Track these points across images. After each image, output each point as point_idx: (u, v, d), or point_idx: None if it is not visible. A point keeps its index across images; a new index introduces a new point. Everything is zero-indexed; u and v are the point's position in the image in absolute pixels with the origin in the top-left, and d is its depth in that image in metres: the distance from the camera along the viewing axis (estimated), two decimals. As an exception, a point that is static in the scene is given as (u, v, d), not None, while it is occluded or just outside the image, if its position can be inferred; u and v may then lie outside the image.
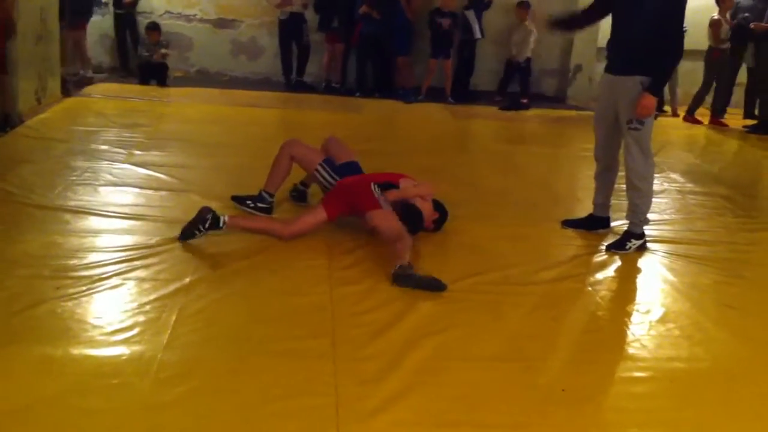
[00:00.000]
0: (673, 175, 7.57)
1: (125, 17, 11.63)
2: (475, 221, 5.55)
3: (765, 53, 10.48)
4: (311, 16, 11.65)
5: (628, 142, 4.96)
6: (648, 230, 5.31)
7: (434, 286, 4.25)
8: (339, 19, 11.54)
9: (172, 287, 4.06)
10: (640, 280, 4.83)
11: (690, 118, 11.11)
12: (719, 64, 10.89)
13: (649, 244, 5.26)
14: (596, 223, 5.49)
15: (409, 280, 4.25)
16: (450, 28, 11.26)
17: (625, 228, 5.26)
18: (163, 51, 10.98)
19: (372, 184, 4.89)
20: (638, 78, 4.75)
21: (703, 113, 11.29)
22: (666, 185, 7.14)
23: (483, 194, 6.41)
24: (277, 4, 11.40)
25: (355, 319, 3.87)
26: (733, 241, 5.66)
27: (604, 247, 5.15)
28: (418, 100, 11.12)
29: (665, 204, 6.51)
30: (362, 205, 4.78)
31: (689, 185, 7.27)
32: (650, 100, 4.75)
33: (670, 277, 4.80)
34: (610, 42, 5.02)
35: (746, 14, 10.63)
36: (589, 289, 4.53)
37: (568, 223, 5.54)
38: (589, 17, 5.37)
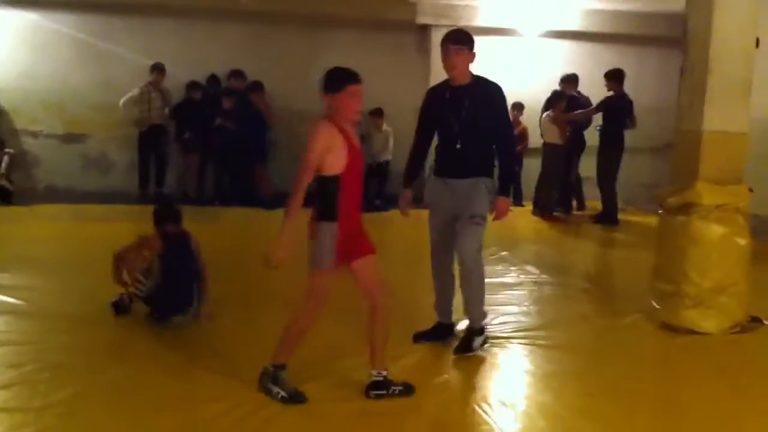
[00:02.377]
0: (528, 267, 7.82)
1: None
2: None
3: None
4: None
5: (465, 236, 4.88)
6: (506, 321, 5.46)
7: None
8: (193, 129, 11.51)
9: (20, 417, 3.84)
10: (502, 372, 4.89)
11: (538, 212, 11.59)
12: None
13: (509, 335, 5.39)
14: (446, 331, 5.32)
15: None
16: None
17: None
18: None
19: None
20: (482, 179, 4.99)
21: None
22: (522, 277, 7.36)
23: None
24: (136, 121, 11.29)
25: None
26: (590, 329, 5.87)
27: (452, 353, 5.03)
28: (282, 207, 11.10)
29: (523, 296, 6.70)
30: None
31: (544, 276, 7.52)
32: (505, 203, 5.06)
33: (530, 367, 4.89)
34: (440, 148, 5.16)
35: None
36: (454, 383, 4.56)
37: (421, 337, 5.26)
38: (423, 151, 5.40)
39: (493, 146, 5.07)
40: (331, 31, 12.70)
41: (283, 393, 4.13)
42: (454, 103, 4.98)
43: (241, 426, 3.88)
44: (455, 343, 5.11)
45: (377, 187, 12.04)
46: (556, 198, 11.54)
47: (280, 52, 12.40)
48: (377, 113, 12.00)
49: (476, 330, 5.09)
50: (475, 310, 5.06)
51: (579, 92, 11.80)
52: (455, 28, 5.36)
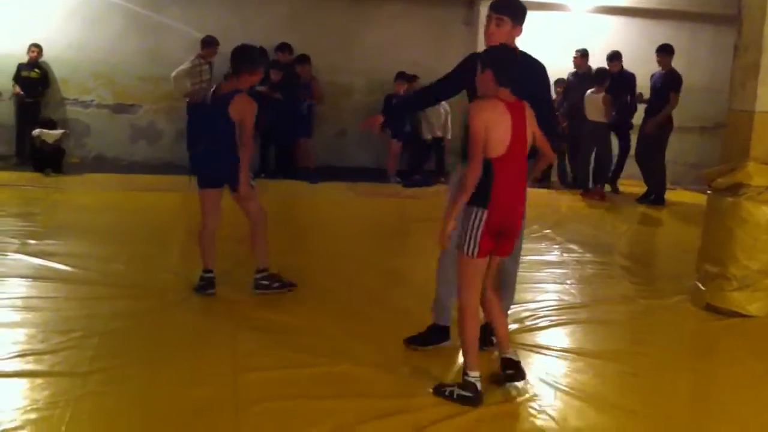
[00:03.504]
0: (571, 246, 7.77)
1: (31, 105, 11.40)
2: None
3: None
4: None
5: None
6: (547, 299, 5.43)
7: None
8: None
9: (67, 382, 3.92)
10: (543, 351, 4.86)
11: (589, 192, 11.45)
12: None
13: (549, 313, 5.37)
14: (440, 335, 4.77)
15: None
16: None
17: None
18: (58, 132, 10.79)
19: None
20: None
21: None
22: (565, 255, 7.33)
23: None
24: (188, 93, 11.37)
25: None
26: (632, 309, 5.83)
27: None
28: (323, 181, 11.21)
29: (565, 274, 6.68)
30: None
31: (587, 255, 7.47)
32: None
33: (572, 345, 4.89)
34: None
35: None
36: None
37: (412, 341, 4.74)
38: (424, 99, 5.27)
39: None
40: (376, 4, 12.63)
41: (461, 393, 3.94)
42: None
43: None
44: None
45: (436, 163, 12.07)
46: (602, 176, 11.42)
47: (325, 26, 12.37)
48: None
49: None
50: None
51: (623, 69, 11.58)
52: None
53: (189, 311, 5.20)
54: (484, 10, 4.57)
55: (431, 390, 4.00)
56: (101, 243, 6.89)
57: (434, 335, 4.72)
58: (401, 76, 11.62)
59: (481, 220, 3.82)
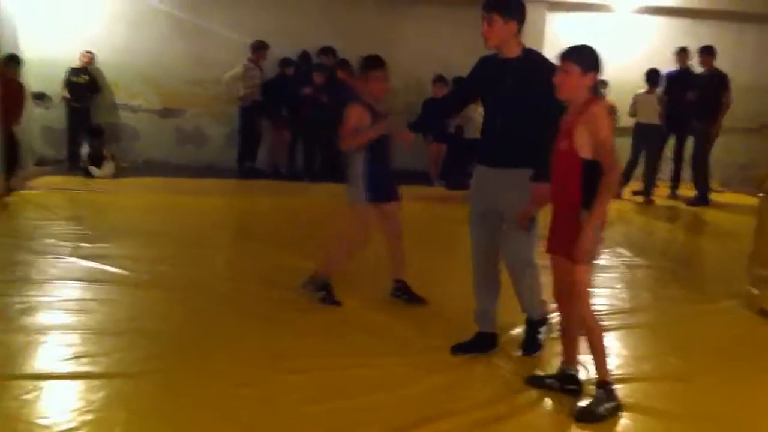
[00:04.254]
0: (620, 250, 7.70)
1: (80, 110, 11.63)
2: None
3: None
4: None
5: (519, 240, 4.38)
6: (597, 304, 5.36)
7: None
8: (286, 105, 11.70)
9: (121, 383, 3.99)
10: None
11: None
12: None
13: (599, 318, 5.30)
14: (488, 341, 4.70)
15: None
16: None
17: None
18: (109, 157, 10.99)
19: None
20: (525, 169, 4.25)
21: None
22: (614, 260, 7.26)
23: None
24: (241, 96, 11.51)
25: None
26: (683, 313, 5.76)
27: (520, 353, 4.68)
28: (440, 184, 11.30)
29: (615, 278, 6.62)
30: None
31: (636, 259, 7.40)
32: (542, 189, 4.11)
33: (622, 350, 4.85)
34: (483, 132, 4.58)
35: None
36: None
37: (459, 349, 4.64)
38: (447, 112, 5.20)
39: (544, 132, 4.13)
40: (414, 6, 12.65)
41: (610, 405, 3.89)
42: (497, 79, 4.37)
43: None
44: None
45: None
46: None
47: (363, 27, 12.36)
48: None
49: (536, 322, 4.67)
50: (527, 298, 4.58)
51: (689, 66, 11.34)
52: None
53: (235, 312, 5.25)
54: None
55: (575, 415, 3.86)
56: (150, 245, 6.99)
57: (482, 343, 4.68)
58: (440, 79, 11.61)
59: (599, 224, 3.77)
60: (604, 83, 11.67)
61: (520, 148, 4.26)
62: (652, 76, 11.05)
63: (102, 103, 12.05)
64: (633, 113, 11.19)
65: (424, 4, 12.67)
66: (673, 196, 11.32)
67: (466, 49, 12.09)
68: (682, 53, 11.15)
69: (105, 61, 12.02)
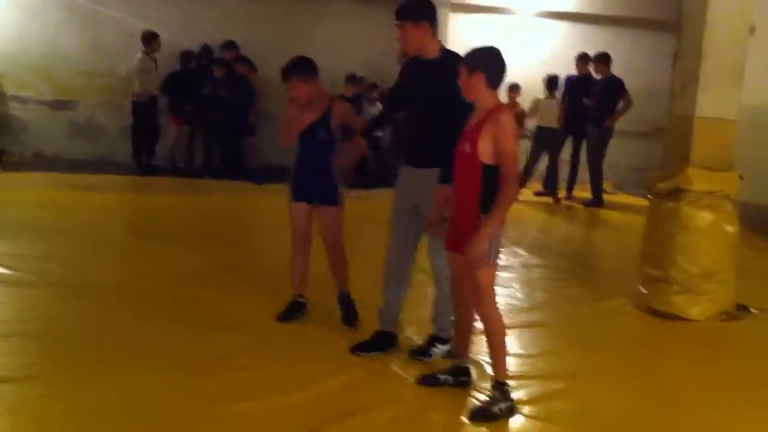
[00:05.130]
0: (517, 249, 7.83)
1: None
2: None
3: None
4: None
5: (436, 241, 4.36)
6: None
7: None
8: (187, 100, 11.43)
9: (5, 388, 3.84)
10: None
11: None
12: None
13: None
14: (387, 341, 4.73)
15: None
16: None
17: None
18: None
19: None
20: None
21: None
22: (511, 259, 7.38)
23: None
24: (137, 91, 11.13)
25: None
26: (576, 312, 5.90)
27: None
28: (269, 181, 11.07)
29: (511, 278, 6.73)
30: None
31: (533, 259, 7.55)
32: (447, 190, 4.14)
33: (517, 349, 4.92)
34: (406, 134, 4.72)
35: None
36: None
37: (358, 349, 4.66)
38: (392, 113, 5.14)
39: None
40: (324, 2, 12.58)
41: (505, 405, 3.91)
42: (418, 80, 4.47)
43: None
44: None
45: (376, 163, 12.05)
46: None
47: (271, 22, 12.26)
48: None
49: (440, 338, 4.63)
50: (440, 319, 4.61)
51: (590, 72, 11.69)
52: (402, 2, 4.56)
53: (130, 313, 5.09)
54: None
55: (470, 415, 3.88)
56: (38, 242, 6.71)
57: (382, 342, 4.69)
58: (351, 78, 11.59)
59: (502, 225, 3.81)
60: (517, 87, 11.93)
61: (439, 148, 4.23)
62: (553, 81, 11.38)
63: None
64: (532, 116, 11.44)
65: (337, 1, 12.60)
66: (570, 197, 11.62)
67: (377, 47, 12.28)
68: (583, 60, 11.46)
69: (-6, 50, 11.46)
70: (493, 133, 3.72)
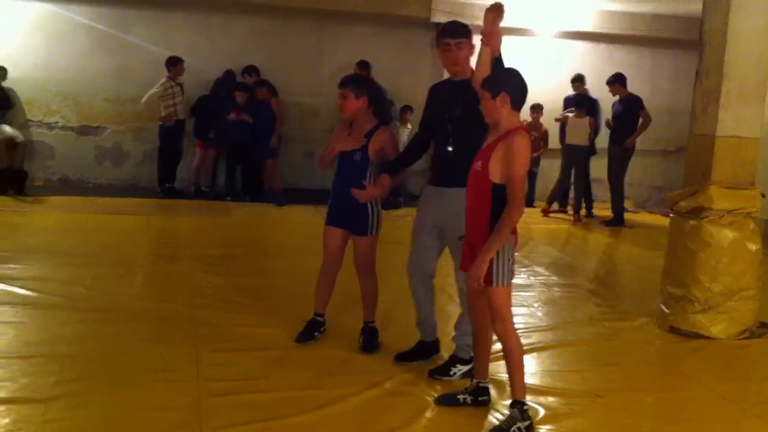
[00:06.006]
0: (538, 268, 7.82)
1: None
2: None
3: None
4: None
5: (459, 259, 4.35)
6: (515, 322, 5.39)
7: None
8: (213, 124, 11.56)
9: (28, 409, 3.85)
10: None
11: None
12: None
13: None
14: (429, 349, 4.90)
15: None
16: None
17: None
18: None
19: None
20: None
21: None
22: (532, 279, 7.37)
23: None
24: (163, 115, 11.27)
25: None
26: (598, 331, 5.87)
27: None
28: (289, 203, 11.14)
29: (532, 297, 6.71)
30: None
31: (553, 278, 7.52)
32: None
33: (537, 368, 4.91)
34: (435, 152, 4.72)
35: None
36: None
37: (402, 358, 4.84)
38: (414, 151, 5.01)
39: None
40: (344, 26, 12.69)
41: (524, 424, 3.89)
42: (450, 101, 4.57)
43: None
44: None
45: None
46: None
47: (291, 46, 12.40)
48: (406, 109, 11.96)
49: (462, 359, 4.67)
50: (462, 338, 4.65)
51: (587, 90, 11.79)
52: (451, 21, 4.85)
53: (152, 335, 5.13)
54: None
55: None
56: (64, 266, 6.78)
57: (424, 350, 4.85)
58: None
59: (510, 247, 3.81)
60: (539, 108, 11.98)
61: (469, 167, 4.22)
62: (580, 100, 11.46)
63: (14, 120, 11.50)
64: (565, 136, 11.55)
65: (355, 24, 12.70)
66: (589, 215, 11.64)
67: (394, 69, 12.37)
68: (579, 81, 11.76)
69: (22, 77, 11.60)
70: (504, 154, 3.73)
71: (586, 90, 11.81)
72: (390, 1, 12.15)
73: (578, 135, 11.32)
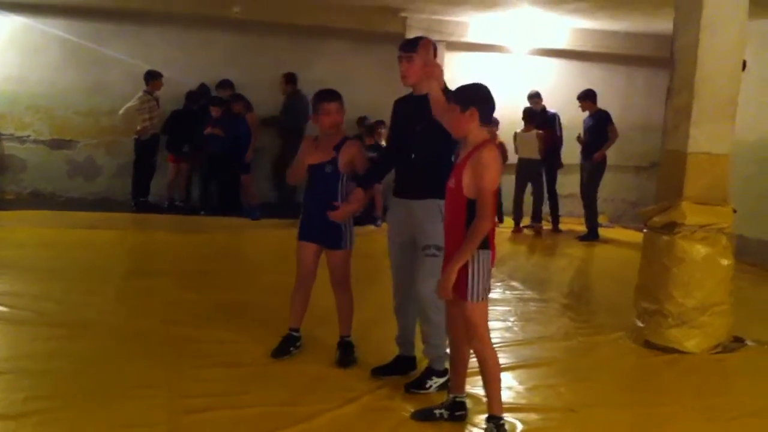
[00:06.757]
0: (513, 283, 7.84)
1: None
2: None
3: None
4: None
5: (423, 270, 4.45)
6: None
7: None
8: (187, 138, 11.50)
9: (-2, 426, 3.79)
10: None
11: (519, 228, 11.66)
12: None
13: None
14: (406, 365, 4.90)
15: None
16: None
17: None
18: None
19: None
20: (436, 201, 4.32)
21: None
22: (507, 293, 7.38)
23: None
24: (139, 129, 11.21)
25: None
26: (573, 345, 5.89)
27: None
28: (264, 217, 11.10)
29: (507, 311, 6.72)
30: None
31: (528, 292, 7.55)
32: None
33: (513, 382, 4.91)
34: (399, 167, 4.75)
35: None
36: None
37: (378, 372, 4.83)
38: (389, 163, 4.98)
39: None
40: (321, 41, 12.71)
41: None
42: (412, 117, 4.62)
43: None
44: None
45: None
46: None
47: (270, 62, 12.39)
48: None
49: (436, 371, 4.64)
50: (437, 348, 4.62)
51: (545, 107, 11.94)
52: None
53: (125, 351, 5.07)
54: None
55: None
56: (35, 281, 6.71)
57: (401, 366, 4.84)
58: (361, 120, 11.71)
59: (486, 261, 3.81)
60: (494, 122, 12.01)
61: (434, 179, 4.32)
62: (528, 114, 11.65)
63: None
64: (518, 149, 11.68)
65: (332, 39, 12.73)
66: (555, 230, 11.76)
67: (373, 85, 12.37)
68: (536, 97, 11.90)
69: (-7, 90, 11.54)
70: (474, 168, 3.76)
71: (543, 105, 11.89)
72: (365, 17, 12.17)
73: (527, 148, 11.47)
